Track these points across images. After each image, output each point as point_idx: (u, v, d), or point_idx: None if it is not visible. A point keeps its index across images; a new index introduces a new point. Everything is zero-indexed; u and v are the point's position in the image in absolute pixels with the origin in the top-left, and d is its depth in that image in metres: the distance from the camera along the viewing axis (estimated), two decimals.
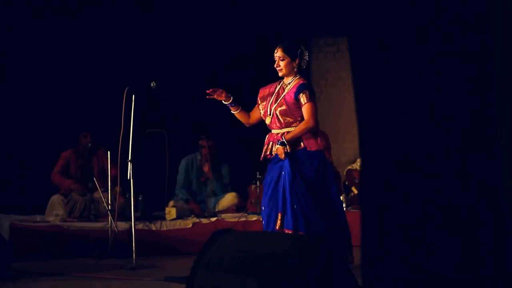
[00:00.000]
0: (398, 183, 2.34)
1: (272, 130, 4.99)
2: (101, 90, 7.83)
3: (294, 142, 4.83)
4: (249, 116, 5.14)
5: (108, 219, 6.40)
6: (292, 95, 4.86)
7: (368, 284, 2.42)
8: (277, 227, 4.83)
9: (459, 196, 2.27)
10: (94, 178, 6.75)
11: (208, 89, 5.01)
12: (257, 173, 7.31)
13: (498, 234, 2.24)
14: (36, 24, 7.96)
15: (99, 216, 7.00)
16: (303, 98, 4.83)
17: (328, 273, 2.80)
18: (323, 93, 9.04)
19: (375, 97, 2.42)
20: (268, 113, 4.97)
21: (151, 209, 7.29)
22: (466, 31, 2.28)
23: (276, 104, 4.92)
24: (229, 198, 7.76)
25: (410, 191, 2.32)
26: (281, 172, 4.84)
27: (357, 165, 7.88)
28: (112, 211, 6.33)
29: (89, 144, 7.35)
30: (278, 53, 4.93)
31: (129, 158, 5.70)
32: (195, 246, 6.15)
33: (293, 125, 4.87)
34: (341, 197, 7.04)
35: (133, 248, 5.72)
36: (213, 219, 7.03)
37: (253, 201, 7.36)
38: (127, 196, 6.82)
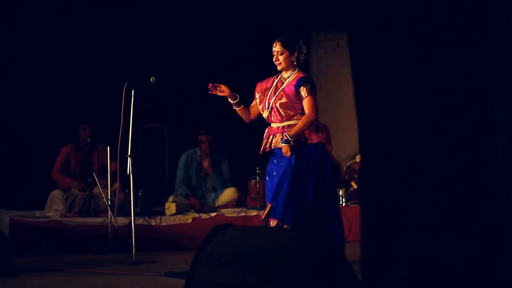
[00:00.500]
0: (398, 178, 2.34)
1: (272, 124, 4.98)
2: (101, 85, 7.82)
3: (297, 137, 4.83)
4: (249, 113, 5.14)
5: (108, 214, 6.40)
6: (292, 87, 4.86)
7: (368, 279, 2.42)
8: (262, 216, 4.83)
9: (458, 192, 2.27)
10: (94, 174, 6.75)
11: (209, 84, 4.99)
12: (257, 168, 7.32)
13: (497, 230, 2.24)
14: (36, 18, 7.95)
15: (99, 211, 7.01)
16: (303, 92, 4.83)
17: (328, 268, 2.80)
18: (323, 88, 9.04)
19: (375, 92, 2.42)
20: (266, 106, 4.96)
21: (150, 204, 7.29)
22: (465, 29, 2.27)
23: (275, 97, 4.91)
24: (228, 193, 7.76)
25: (409, 187, 2.32)
26: (284, 167, 4.83)
27: (357, 160, 7.88)
28: (111, 206, 6.33)
29: (89, 139, 7.35)
30: (276, 47, 4.93)
31: (129, 153, 5.70)
32: (195, 241, 6.16)
33: (294, 118, 4.87)
34: (340, 192, 7.08)
35: (133, 243, 5.72)
36: (213, 214, 7.03)
37: (252, 196, 7.36)
38: (126, 191, 6.82)
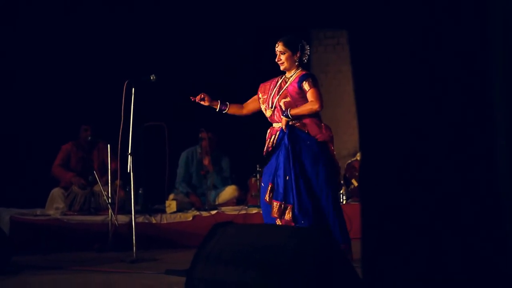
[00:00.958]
0: (398, 176, 2.34)
1: (274, 124, 5.00)
2: (101, 83, 7.82)
3: (298, 120, 4.84)
4: (242, 108, 5.17)
5: (109, 212, 6.40)
6: (296, 84, 4.89)
7: (369, 276, 2.42)
8: (266, 198, 4.85)
9: (458, 190, 2.27)
10: (94, 172, 6.74)
11: (193, 96, 5.08)
12: (257, 166, 7.32)
13: (497, 230, 2.24)
14: (36, 17, 7.95)
15: (99, 209, 7.01)
16: (306, 85, 4.86)
17: (328, 266, 2.81)
18: (323, 86, 9.02)
19: (375, 90, 2.42)
20: (270, 105, 4.97)
21: (151, 202, 7.29)
22: (465, 27, 2.27)
23: (279, 96, 4.93)
24: (229, 191, 7.76)
25: (409, 185, 2.32)
26: (279, 154, 4.85)
27: (357, 158, 7.88)
28: (112, 204, 6.33)
29: (89, 138, 7.36)
30: (279, 47, 4.95)
31: (129, 151, 5.70)
32: (195, 239, 6.16)
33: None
34: (341, 190, 7.08)
35: (133, 241, 5.72)
36: (213, 212, 7.03)
37: (253, 194, 7.37)
38: (127, 189, 6.83)
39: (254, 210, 7.00)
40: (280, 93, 4.94)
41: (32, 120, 7.98)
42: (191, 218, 6.95)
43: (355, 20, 2.47)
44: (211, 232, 3.08)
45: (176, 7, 8.39)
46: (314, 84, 4.88)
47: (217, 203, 7.65)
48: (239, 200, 7.67)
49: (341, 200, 7.11)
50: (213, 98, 5.19)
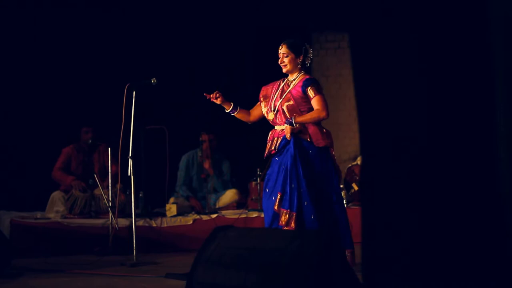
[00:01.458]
0: (398, 180, 2.34)
1: (276, 127, 5.00)
2: (102, 86, 7.83)
3: (301, 133, 4.83)
4: (249, 114, 5.16)
5: (109, 215, 6.40)
6: (299, 89, 4.88)
7: (369, 280, 2.42)
8: (275, 207, 4.84)
9: (459, 193, 2.26)
10: (95, 175, 6.75)
11: (206, 93, 5.04)
12: (258, 169, 7.32)
13: (498, 231, 2.24)
14: (37, 18, 7.95)
15: (100, 212, 7.01)
16: (311, 92, 4.86)
17: (328, 269, 2.80)
18: (323, 89, 9.02)
19: (376, 93, 2.42)
20: (272, 109, 4.97)
21: (151, 206, 7.29)
22: (466, 29, 2.27)
23: (281, 99, 4.93)
24: (229, 195, 7.76)
25: (410, 188, 2.32)
26: (287, 157, 4.84)
27: (358, 162, 7.88)
28: (112, 207, 6.33)
29: (90, 141, 7.36)
30: (282, 50, 4.95)
31: (130, 155, 5.70)
32: (196, 242, 6.16)
33: None
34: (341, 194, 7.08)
35: (134, 245, 5.72)
36: (214, 215, 7.03)
37: (253, 197, 7.36)
38: (127, 192, 6.82)
39: (255, 214, 7.00)
40: (283, 97, 4.93)
41: (32, 123, 7.98)
42: (191, 222, 6.94)
43: (356, 24, 2.47)
44: (212, 236, 3.08)
45: (177, 11, 8.39)
46: (319, 91, 4.88)
47: (217, 206, 7.64)
48: (240, 204, 7.67)
49: None
50: (214, 103, 5.18)
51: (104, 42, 8.15)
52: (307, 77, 4.95)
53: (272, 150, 4.95)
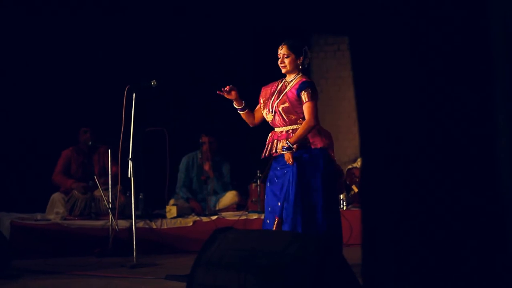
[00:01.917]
0: (399, 181, 2.35)
1: (275, 128, 4.98)
2: (102, 88, 7.83)
3: (300, 142, 4.83)
4: (254, 117, 5.13)
5: (109, 217, 6.40)
6: (295, 91, 4.86)
7: (369, 283, 2.42)
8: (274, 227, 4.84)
9: (459, 195, 2.27)
10: (95, 176, 6.75)
11: (221, 87, 4.99)
12: (258, 171, 7.32)
13: (499, 234, 2.24)
14: (36, 20, 7.96)
15: (100, 214, 7.01)
16: (304, 96, 4.82)
17: (328, 272, 2.81)
18: (323, 92, 9.04)
19: (376, 96, 2.42)
20: (270, 110, 4.96)
21: (151, 208, 7.29)
22: (466, 31, 2.28)
23: (278, 101, 4.91)
24: (229, 197, 7.76)
25: (410, 190, 2.32)
26: (288, 176, 4.82)
27: (357, 164, 7.88)
28: (112, 209, 6.33)
29: (89, 142, 7.36)
30: (283, 50, 4.92)
31: (130, 156, 5.70)
32: (196, 244, 6.16)
33: (297, 122, 4.86)
34: (341, 196, 7.08)
35: (134, 246, 5.72)
36: (214, 217, 7.03)
37: (253, 199, 7.36)
38: (127, 194, 6.83)
39: (254, 216, 7.00)
40: (280, 99, 4.91)
41: (32, 124, 7.99)
42: (191, 224, 6.95)
43: (356, 26, 2.47)
44: (212, 238, 3.08)
45: (177, 13, 8.40)
46: (312, 97, 4.82)
47: (217, 208, 7.65)
48: (239, 206, 7.67)
49: (342, 206, 7.11)
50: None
51: (105, 43, 8.15)
52: (304, 79, 4.91)
53: (273, 153, 4.94)
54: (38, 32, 7.97)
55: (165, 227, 6.86)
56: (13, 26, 7.93)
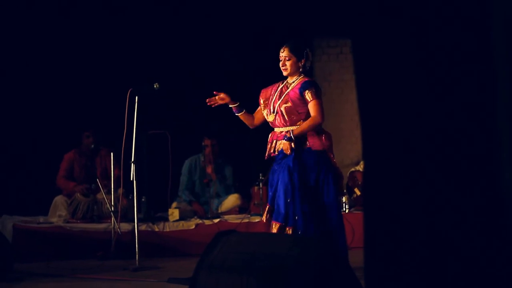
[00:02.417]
0: (401, 184, 2.35)
1: (275, 129, 4.99)
2: (105, 91, 7.84)
3: (299, 140, 4.82)
4: (253, 118, 5.14)
5: (111, 220, 6.41)
6: (297, 91, 4.85)
7: (371, 286, 2.42)
8: (264, 219, 4.86)
9: (461, 197, 2.27)
10: (97, 179, 6.76)
11: (207, 99, 5.04)
12: (260, 174, 7.32)
13: (500, 234, 2.24)
14: (39, 23, 7.96)
15: (102, 217, 7.01)
16: (308, 95, 4.82)
17: (331, 275, 2.81)
18: (326, 95, 9.03)
19: (378, 99, 2.42)
20: (271, 110, 4.96)
21: (154, 210, 7.29)
22: (467, 32, 2.28)
23: (280, 101, 4.91)
24: (232, 200, 7.76)
25: (412, 193, 2.32)
26: (285, 170, 4.83)
27: (360, 167, 7.88)
28: (115, 212, 6.33)
29: (92, 145, 7.37)
30: (284, 53, 4.91)
31: (132, 159, 5.71)
32: (198, 247, 6.15)
33: (297, 123, 4.87)
34: (343, 199, 7.08)
35: (136, 249, 5.72)
36: (216, 220, 7.04)
37: (256, 202, 7.36)
38: (130, 197, 6.83)
39: (257, 219, 7.00)
40: (282, 98, 4.91)
41: (35, 127, 7.99)
42: (193, 227, 6.95)
43: (358, 29, 2.47)
44: (214, 241, 3.08)
45: (179, 16, 8.41)
46: (317, 95, 4.84)
47: (220, 211, 7.65)
48: (242, 209, 7.67)
49: (344, 209, 7.11)
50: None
51: (107, 46, 8.16)
52: (306, 79, 4.92)
53: (272, 153, 4.95)
54: (40, 35, 7.98)
55: (168, 230, 6.87)
56: (16, 29, 7.95)
